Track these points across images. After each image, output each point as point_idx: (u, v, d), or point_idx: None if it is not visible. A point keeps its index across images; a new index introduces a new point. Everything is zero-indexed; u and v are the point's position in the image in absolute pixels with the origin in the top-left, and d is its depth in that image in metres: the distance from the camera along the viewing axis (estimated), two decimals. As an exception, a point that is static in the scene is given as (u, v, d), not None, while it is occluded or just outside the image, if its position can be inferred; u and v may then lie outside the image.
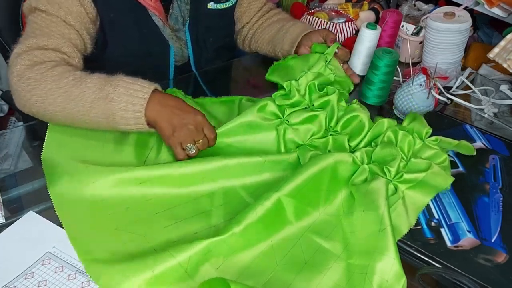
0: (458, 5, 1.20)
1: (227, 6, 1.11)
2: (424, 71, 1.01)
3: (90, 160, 0.84)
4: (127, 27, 0.98)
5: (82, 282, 0.67)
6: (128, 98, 0.79)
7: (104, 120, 0.81)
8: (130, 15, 0.98)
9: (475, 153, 0.90)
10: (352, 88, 1.09)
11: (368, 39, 1.12)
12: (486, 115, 1.08)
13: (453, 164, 0.88)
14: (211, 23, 1.09)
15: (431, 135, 0.88)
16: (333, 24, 1.28)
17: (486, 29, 1.40)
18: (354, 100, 0.95)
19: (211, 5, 1.07)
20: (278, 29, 1.15)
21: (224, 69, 1.22)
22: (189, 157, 0.83)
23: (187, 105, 0.83)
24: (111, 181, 0.79)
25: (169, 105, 0.81)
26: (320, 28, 1.28)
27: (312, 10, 1.38)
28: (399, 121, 0.97)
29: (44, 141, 0.87)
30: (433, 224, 0.77)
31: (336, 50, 1.05)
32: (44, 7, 0.88)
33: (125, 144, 0.88)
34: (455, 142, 0.88)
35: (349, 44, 1.22)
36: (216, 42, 1.14)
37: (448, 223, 0.77)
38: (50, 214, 0.77)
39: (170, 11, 1.04)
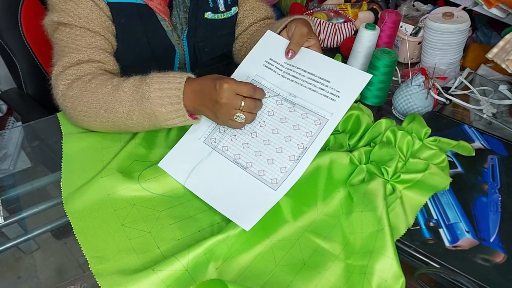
0: (457, 5, 1.21)
1: (225, 16, 1.09)
2: (423, 71, 1.01)
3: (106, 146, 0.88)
4: (136, 31, 0.98)
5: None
6: (163, 92, 0.79)
7: (147, 121, 0.82)
8: (140, 19, 0.97)
9: (474, 154, 0.90)
10: None
11: (367, 39, 1.12)
12: (484, 116, 1.08)
13: (451, 165, 0.88)
14: (208, 32, 1.08)
15: (430, 136, 0.88)
16: (332, 25, 1.28)
17: (484, 30, 1.41)
18: (357, 100, 0.95)
19: (208, 15, 1.06)
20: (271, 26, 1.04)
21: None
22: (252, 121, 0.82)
23: (210, 80, 0.79)
24: (118, 178, 0.80)
25: (197, 90, 0.79)
26: (318, 28, 1.28)
27: (311, 11, 1.38)
28: (398, 121, 0.97)
29: (43, 142, 0.88)
30: (431, 224, 0.77)
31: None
32: (66, 19, 0.89)
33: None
34: (454, 142, 0.88)
35: (348, 44, 1.22)
36: (212, 52, 1.13)
37: (447, 223, 0.78)
38: (49, 214, 0.77)
39: (171, 18, 1.04)
